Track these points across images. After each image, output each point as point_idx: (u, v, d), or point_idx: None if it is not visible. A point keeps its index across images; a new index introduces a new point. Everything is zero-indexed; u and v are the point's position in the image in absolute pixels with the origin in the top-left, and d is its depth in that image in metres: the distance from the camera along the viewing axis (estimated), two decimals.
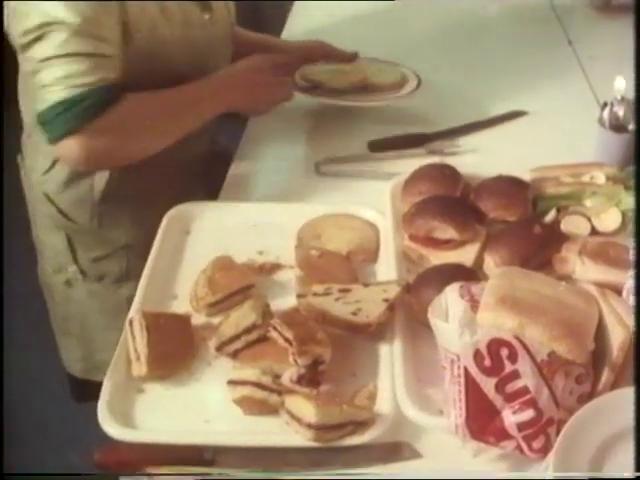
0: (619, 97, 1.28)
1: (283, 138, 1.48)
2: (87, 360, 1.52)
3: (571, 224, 1.12)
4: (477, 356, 0.80)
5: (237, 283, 1.03)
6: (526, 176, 1.19)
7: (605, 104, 1.29)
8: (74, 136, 1.13)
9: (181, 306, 1.04)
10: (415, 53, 1.77)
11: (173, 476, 0.85)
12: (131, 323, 0.95)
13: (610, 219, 1.13)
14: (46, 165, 1.35)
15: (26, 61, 1.18)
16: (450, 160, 1.30)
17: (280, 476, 0.84)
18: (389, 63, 1.62)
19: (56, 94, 1.12)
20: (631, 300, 0.90)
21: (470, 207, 1.13)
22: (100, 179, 1.33)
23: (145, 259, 1.13)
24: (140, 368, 0.92)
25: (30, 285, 1.64)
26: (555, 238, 1.07)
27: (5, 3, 1.18)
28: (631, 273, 0.92)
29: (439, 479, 0.83)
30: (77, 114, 1.12)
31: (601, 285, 0.93)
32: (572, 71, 1.72)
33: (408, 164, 1.26)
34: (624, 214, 1.13)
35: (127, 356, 0.94)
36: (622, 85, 1.29)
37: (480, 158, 1.37)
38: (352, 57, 1.60)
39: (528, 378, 0.79)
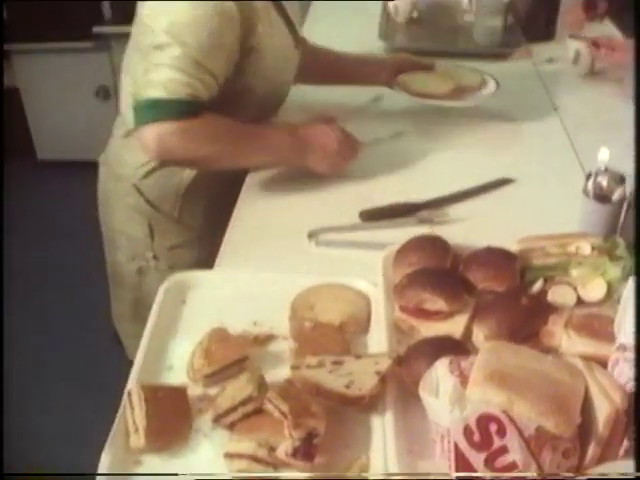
0: (603, 168, 1.32)
1: (278, 205, 1.51)
2: None
3: (558, 294, 1.15)
4: (467, 431, 0.82)
5: (233, 355, 1.05)
6: (514, 247, 1.23)
7: (589, 175, 1.33)
8: (155, 126, 1.36)
9: (177, 377, 1.06)
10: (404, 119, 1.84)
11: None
12: (129, 395, 0.97)
13: (596, 289, 1.16)
14: (142, 160, 1.56)
15: (142, 62, 1.41)
16: (440, 229, 1.34)
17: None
18: (465, 67, 1.94)
19: (156, 91, 1.36)
20: (616, 372, 0.93)
21: (459, 278, 1.17)
22: (188, 175, 1.59)
23: (212, 252, 1.38)
24: (138, 440, 0.94)
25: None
26: (542, 309, 1.10)
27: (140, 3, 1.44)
28: (615, 346, 0.95)
29: None
30: (164, 111, 1.36)
31: (587, 358, 0.96)
32: (558, 137, 1.76)
33: (399, 233, 1.29)
34: (609, 284, 1.16)
35: (126, 428, 0.96)
36: (606, 156, 1.32)
37: (469, 227, 1.40)
38: (431, 66, 1.91)
39: (516, 453, 0.81)
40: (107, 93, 3.82)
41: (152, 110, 1.37)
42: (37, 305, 3.01)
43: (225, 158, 1.48)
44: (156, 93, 1.36)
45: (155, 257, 1.68)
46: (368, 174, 1.59)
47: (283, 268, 1.30)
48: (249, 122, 1.51)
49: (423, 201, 1.45)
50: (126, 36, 3.44)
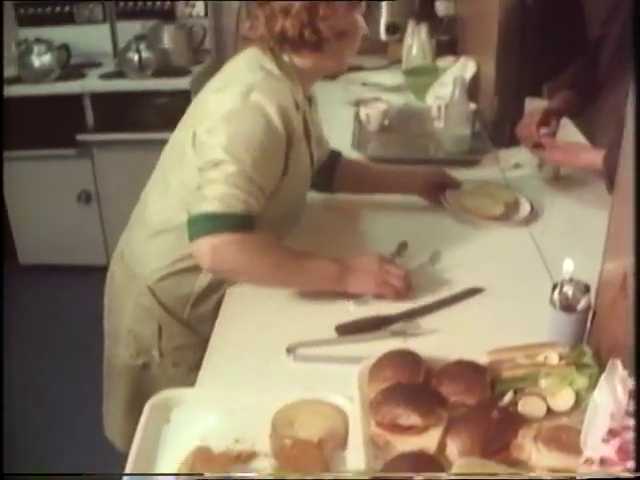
0: (568, 278, 1.38)
1: (256, 321, 1.56)
2: None
3: (528, 405, 1.20)
4: None
5: (216, 473, 1.08)
6: (484, 358, 1.28)
7: (555, 285, 1.39)
8: (211, 237, 1.46)
9: None
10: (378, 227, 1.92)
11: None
12: None
13: (564, 399, 1.21)
14: (161, 263, 1.68)
15: (195, 178, 1.53)
16: (412, 341, 1.40)
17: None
18: (495, 184, 2.10)
19: (211, 206, 1.47)
20: None
21: (432, 392, 1.21)
22: (201, 282, 1.68)
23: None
24: None
25: None
26: (512, 422, 1.14)
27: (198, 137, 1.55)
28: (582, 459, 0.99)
29: None
30: (221, 224, 1.47)
31: (556, 471, 1.00)
32: (526, 244, 1.84)
33: (375, 346, 1.36)
34: (577, 393, 1.21)
35: None
36: (570, 267, 1.37)
37: (441, 338, 1.46)
38: (459, 184, 2.03)
39: None
40: (89, 197, 3.89)
41: (209, 223, 1.47)
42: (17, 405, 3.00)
43: (271, 275, 1.57)
44: (212, 207, 1.46)
45: (161, 355, 1.76)
46: None
47: (263, 383, 1.34)
48: None
49: (396, 314, 1.51)
50: (108, 143, 3.61)
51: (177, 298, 1.71)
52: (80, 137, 3.70)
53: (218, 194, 1.46)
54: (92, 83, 3.72)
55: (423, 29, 3.26)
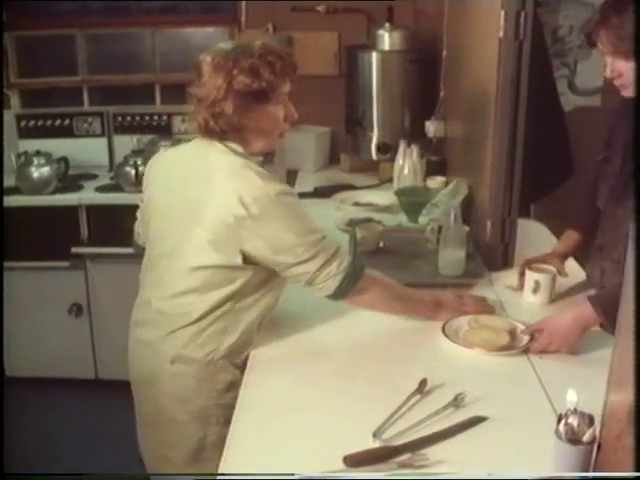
0: (572, 408, 1.38)
1: (266, 451, 1.56)
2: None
3: None
4: None
5: None
6: None
7: (560, 416, 1.39)
8: (353, 294, 1.93)
9: None
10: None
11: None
12: None
13: None
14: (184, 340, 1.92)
15: (296, 275, 1.87)
16: (421, 473, 1.39)
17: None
18: (493, 318, 2.12)
19: (335, 281, 1.88)
20: None
21: None
22: (230, 339, 1.92)
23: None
24: None
25: None
26: None
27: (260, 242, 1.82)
28: None
29: None
30: (351, 284, 1.91)
31: None
32: (524, 371, 1.85)
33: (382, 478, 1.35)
34: None
35: None
36: (574, 397, 1.38)
37: (448, 468, 1.45)
38: (492, 310, 2.20)
39: None
40: (80, 310, 3.89)
41: (341, 290, 1.88)
42: None
43: (393, 304, 2.06)
44: (336, 281, 1.87)
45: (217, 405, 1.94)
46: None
47: None
48: None
49: (402, 444, 1.50)
50: (101, 256, 3.65)
51: (207, 354, 1.92)
52: (75, 249, 3.73)
53: (332, 271, 1.86)
54: (88, 196, 3.79)
55: (414, 150, 3.36)
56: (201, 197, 1.84)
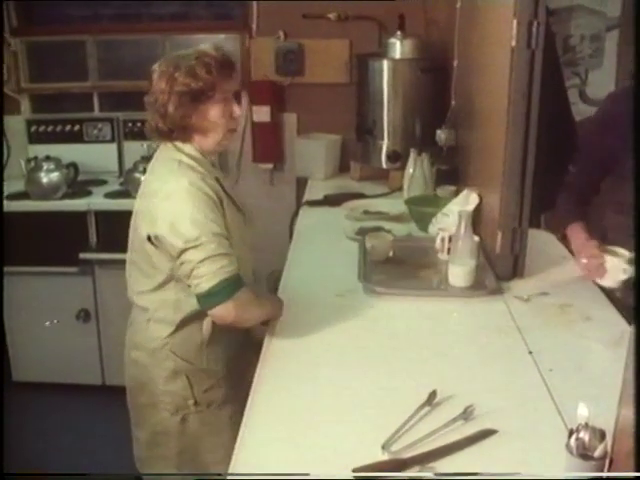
0: (583, 423, 1.36)
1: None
2: None
3: None
4: None
5: None
6: None
7: (571, 431, 1.37)
8: (226, 304, 1.89)
9: None
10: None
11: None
12: None
13: None
14: (164, 332, 2.09)
15: (182, 263, 1.90)
16: None
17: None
18: None
19: (213, 280, 1.87)
20: None
21: None
22: (206, 330, 2.08)
23: (234, 387, 2.12)
24: None
25: None
26: None
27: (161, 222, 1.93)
28: None
29: None
30: (228, 291, 1.89)
31: None
32: (534, 381, 1.83)
33: None
34: None
35: None
36: (585, 412, 1.36)
37: None
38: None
39: None
40: (87, 316, 3.89)
41: (220, 293, 1.88)
42: None
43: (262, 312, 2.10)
44: (215, 280, 1.87)
45: (195, 403, 2.13)
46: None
47: None
48: None
49: (411, 457, 1.48)
50: (109, 262, 3.71)
51: (192, 350, 2.10)
52: (83, 255, 3.74)
53: (214, 268, 1.86)
54: (97, 201, 3.80)
55: (425, 158, 3.35)
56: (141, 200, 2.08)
